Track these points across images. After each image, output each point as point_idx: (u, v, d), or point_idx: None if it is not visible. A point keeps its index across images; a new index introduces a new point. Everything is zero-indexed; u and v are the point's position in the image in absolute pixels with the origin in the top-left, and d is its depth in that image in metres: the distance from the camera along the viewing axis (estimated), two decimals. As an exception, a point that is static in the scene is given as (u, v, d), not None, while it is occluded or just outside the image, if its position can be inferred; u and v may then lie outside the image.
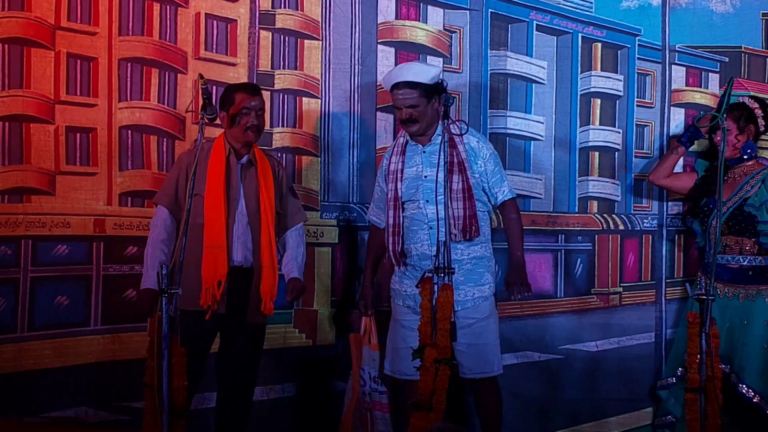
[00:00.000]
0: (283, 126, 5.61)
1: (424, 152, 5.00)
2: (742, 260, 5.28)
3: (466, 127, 4.89)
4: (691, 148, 5.56)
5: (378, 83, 5.66)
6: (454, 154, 4.91)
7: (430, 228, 4.91)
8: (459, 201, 4.90)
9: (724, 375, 4.88)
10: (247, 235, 4.85)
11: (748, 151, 5.32)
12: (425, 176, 4.96)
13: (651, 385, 5.64)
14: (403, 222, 5.00)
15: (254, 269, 4.83)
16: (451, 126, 4.81)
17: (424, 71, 4.98)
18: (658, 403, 5.59)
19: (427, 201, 4.94)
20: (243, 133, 4.86)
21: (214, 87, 5.12)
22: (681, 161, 5.62)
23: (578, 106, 5.84)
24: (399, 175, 5.01)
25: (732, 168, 5.35)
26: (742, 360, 5.21)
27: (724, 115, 4.63)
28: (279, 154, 5.43)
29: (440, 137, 4.80)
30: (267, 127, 5.45)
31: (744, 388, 5.17)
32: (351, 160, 5.67)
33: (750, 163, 5.36)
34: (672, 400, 5.46)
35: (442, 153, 4.62)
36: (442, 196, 4.71)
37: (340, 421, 5.34)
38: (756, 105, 5.39)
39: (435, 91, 4.92)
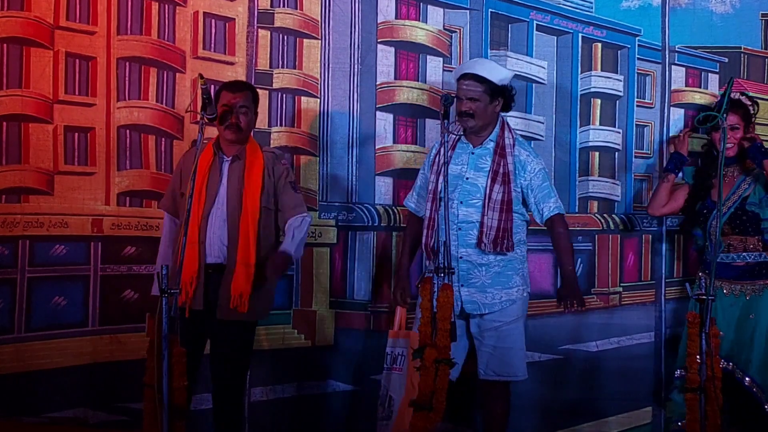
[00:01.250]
0: (281, 125, 5.59)
1: (473, 153, 4.94)
2: (747, 257, 5.27)
3: (511, 139, 4.92)
4: (690, 147, 5.54)
5: (378, 83, 5.66)
6: (502, 164, 4.88)
7: (459, 229, 4.85)
8: (496, 211, 4.84)
9: (726, 373, 4.89)
10: (223, 232, 4.77)
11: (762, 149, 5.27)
12: (467, 177, 4.91)
13: (655, 387, 5.63)
14: (437, 217, 4.93)
15: (227, 266, 4.76)
16: (506, 132, 4.90)
17: (495, 70, 4.95)
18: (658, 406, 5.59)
19: (461, 202, 4.87)
20: (224, 131, 4.84)
21: (213, 86, 5.10)
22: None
23: (578, 106, 5.83)
24: (444, 169, 4.97)
25: (728, 166, 5.30)
26: (749, 354, 5.20)
27: (725, 115, 4.61)
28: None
29: (491, 142, 4.87)
30: (265, 126, 5.45)
31: (748, 381, 5.16)
32: (350, 159, 5.65)
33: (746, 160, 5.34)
34: None
35: (441, 153, 4.59)
36: (478, 201, 4.80)
37: (392, 420, 5.06)
38: (749, 102, 5.37)
39: (500, 93, 4.90)
